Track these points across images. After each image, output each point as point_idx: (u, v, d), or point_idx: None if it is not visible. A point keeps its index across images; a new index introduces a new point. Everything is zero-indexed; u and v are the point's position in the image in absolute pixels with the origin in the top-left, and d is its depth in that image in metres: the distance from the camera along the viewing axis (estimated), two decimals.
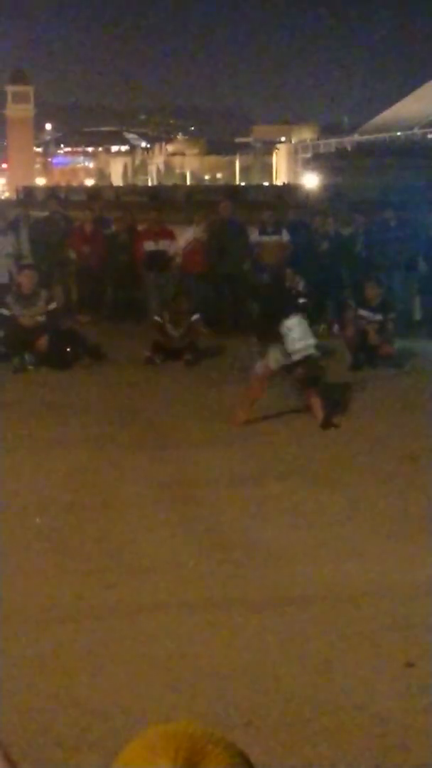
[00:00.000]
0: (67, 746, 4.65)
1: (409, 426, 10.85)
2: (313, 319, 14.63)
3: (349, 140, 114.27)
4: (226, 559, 7.01)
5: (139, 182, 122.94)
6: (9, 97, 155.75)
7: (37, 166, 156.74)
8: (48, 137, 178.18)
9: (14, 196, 64.45)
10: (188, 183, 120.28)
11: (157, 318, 14.81)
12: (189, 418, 11.22)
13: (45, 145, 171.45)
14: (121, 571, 6.78)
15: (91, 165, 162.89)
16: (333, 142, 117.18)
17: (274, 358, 10.79)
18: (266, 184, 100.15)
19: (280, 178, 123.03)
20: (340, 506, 8.18)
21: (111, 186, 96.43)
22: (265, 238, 17.77)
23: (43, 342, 14.04)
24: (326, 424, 10.73)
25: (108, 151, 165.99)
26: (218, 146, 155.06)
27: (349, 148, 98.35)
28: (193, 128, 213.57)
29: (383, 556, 7.04)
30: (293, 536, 7.48)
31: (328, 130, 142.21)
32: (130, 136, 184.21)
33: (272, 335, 10.78)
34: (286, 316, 10.82)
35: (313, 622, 5.96)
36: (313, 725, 4.81)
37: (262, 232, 17.88)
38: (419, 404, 11.90)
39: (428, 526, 7.64)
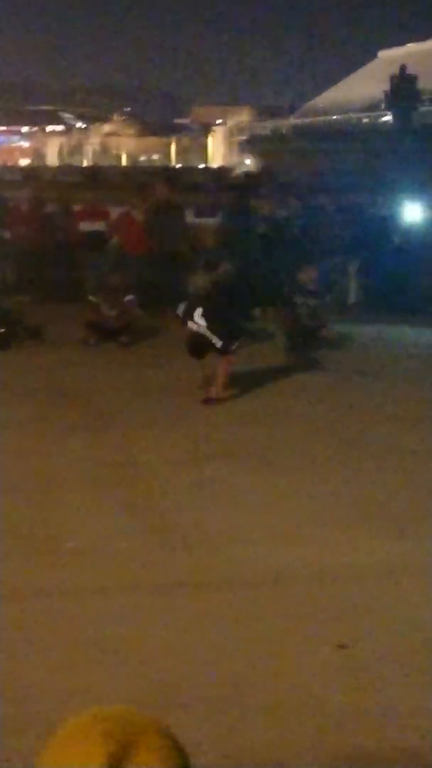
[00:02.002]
0: (4, 726, 4.63)
1: (344, 409, 10.91)
2: (249, 302, 14.71)
3: (286, 123, 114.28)
4: (166, 542, 7.01)
5: (76, 163, 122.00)
6: None
7: None
8: None
9: None
10: (124, 164, 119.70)
11: (92, 298, 14.74)
12: (127, 399, 11.19)
13: None
14: (60, 553, 6.75)
15: (26, 145, 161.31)
16: (270, 125, 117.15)
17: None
18: (202, 166, 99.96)
19: (216, 160, 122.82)
20: (278, 489, 8.21)
21: (47, 166, 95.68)
22: (202, 220, 17.76)
23: None
24: (207, 400, 10.96)
25: (44, 130, 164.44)
26: (155, 128, 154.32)
27: (284, 131, 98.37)
28: (129, 109, 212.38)
29: (319, 539, 7.08)
30: (231, 519, 7.49)
31: (266, 112, 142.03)
32: (66, 116, 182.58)
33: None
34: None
35: (250, 605, 5.99)
36: (251, 707, 4.83)
37: (199, 214, 17.87)
38: (354, 387, 11.98)
39: (364, 510, 7.70)
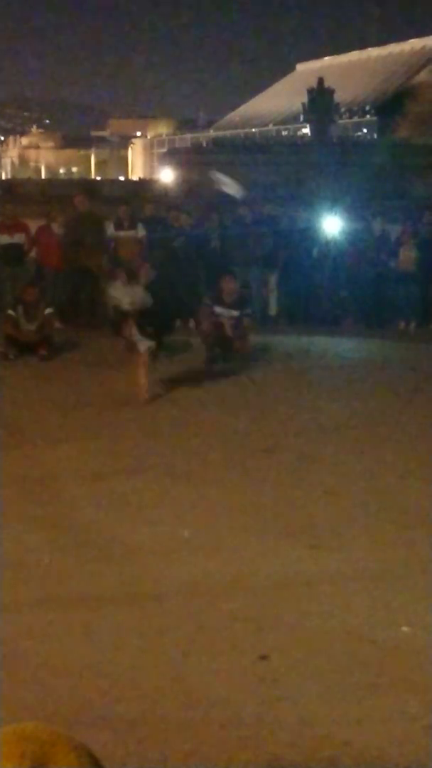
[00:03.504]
0: None
1: (263, 420, 10.96)
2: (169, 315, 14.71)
3: (205, 136, 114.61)
4: (83, 556, 6.97)
5: None
6: None
7: None
8: None
9: None
10: (43, 177, 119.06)
11: (11, 312, 14.63)
12: (45, 413, 11.12)
13: None
14: None
15: None
16: (189, 138, 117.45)
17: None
18: (122, 178, 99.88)
19: (135, 172, 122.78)
20: (196, 501, 8.21)
21: None
22: (122, 233, 17.72)
23: None
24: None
25: None
26: (74, 140, 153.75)
27: (204, 144, 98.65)
28: (48, 121, 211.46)
29: (238, 550, 7.09)
30: (150, 532, 7.48)
31: (184, 125, 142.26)
32: None
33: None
34: None
35: (169, 617, 5.97)
36: (168, 720, 4.82)
37: (118, 226, 17.82)
38: (273, 399, 12.04)
39: (280, 520, 7.73)
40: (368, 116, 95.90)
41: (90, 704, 4.93)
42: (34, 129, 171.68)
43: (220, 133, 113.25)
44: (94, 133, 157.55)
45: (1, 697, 4.96)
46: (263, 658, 5.44)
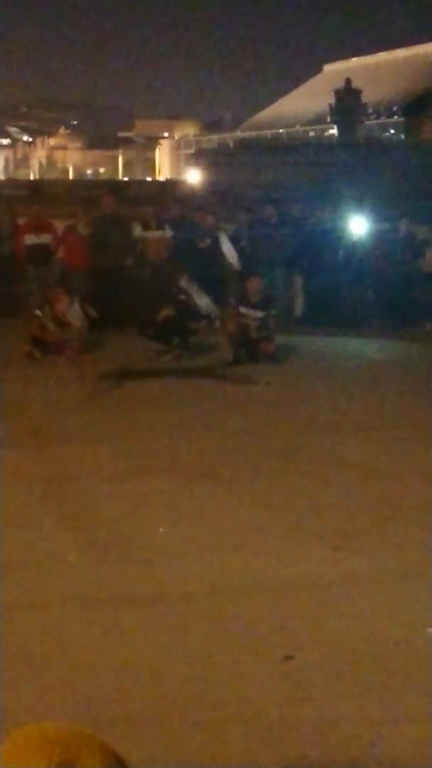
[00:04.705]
0: None
1: (287, 421, 10.95)
2: (195, 315, 14.76)
3: (232, 136, 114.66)
4: (106, 556, 6.98)
5: (21, 176, 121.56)
6: None
7: None
8: None
9: None
10: (71, 177, 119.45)
11: (37, 312, 14.68)
12: (69, 414, 11.15)
13: None
14: None
15: None
16: (216, 138, 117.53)
17: None
18: (149, 179, 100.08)
19: (162, 173, 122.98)
20: (219, 501, 8.21)
21: None
22: (148, 234, 17.73)
23: None
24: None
25: None
26: (101, 141, 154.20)
27: (231, 145, 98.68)
28: (75, 122, 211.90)
29: (261, 550, 7.08)
30: (172, 532, 7.48)
31: (211, 126, 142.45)
32: (11, 129, 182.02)
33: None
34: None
35: (193, 617, 5.97)
36: (191, 720, 4.82)
37: (145, 227, 17.84)
38: (297, 400, 12.02)
39: (302, 521, 7.71)
40: (395, 117, 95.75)
41: (113, 704, 4.94)
42: (61, 130, 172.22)
43: (247, 134, 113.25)
44: (120, 134, 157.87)
45: (24, 696, 4.99)
46: (288, 658, 5.43)
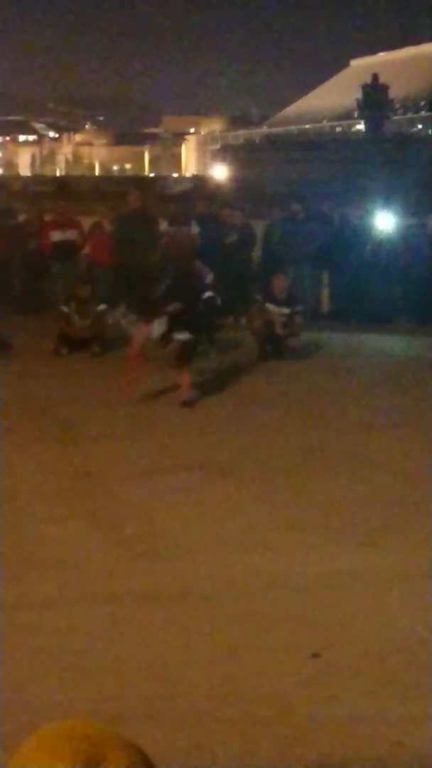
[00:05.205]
0: None
1: (313, 418, 10.93)
2: (220, 310, 14.73)
3: (258, 132, 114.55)
4: (134, 552, 6.98)
5: (47, 173, 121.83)
6: None
7: None
8: None
9: None
10: (97, 173, 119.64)
11: (63, 308, 14.69)
12: (95, 410, 11.16)
13: None
14: (25, 565, 6.71)
15: None
16: (242, 134, 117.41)
17: (156, 330, 11.36)
18: (175, 175, 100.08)
19: (189, 169, 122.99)
20: (245, 498, 8.20)
21: (18, 176, 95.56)
22: (174, 230, 17.72)
23: None
24: (184, 404, 11.13)
25: (15, 140, 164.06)
26: (127, 137, 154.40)
27: (258, 140, 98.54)
28: (101, 118, 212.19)
29: (288, 547, 7.07)
30: (198, 529, 7.48)
31: (237, 121, 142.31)
32: (37, 125, 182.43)
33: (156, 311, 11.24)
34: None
35: (219, 615, 5.96)
36: (217, 717, 4.81)
37: (172, 223, 17.83)
38: (323, 397, 11.99)
39: (330, 519, 7.69)
40: (423, 112, 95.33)
41: (139, 701, 4.94)
42: (87, 126, 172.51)
43: (274, 130, 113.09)
44: (147, 130, 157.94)
45: (50, 692, 4.99)
46: (315, 656, 5.42)
